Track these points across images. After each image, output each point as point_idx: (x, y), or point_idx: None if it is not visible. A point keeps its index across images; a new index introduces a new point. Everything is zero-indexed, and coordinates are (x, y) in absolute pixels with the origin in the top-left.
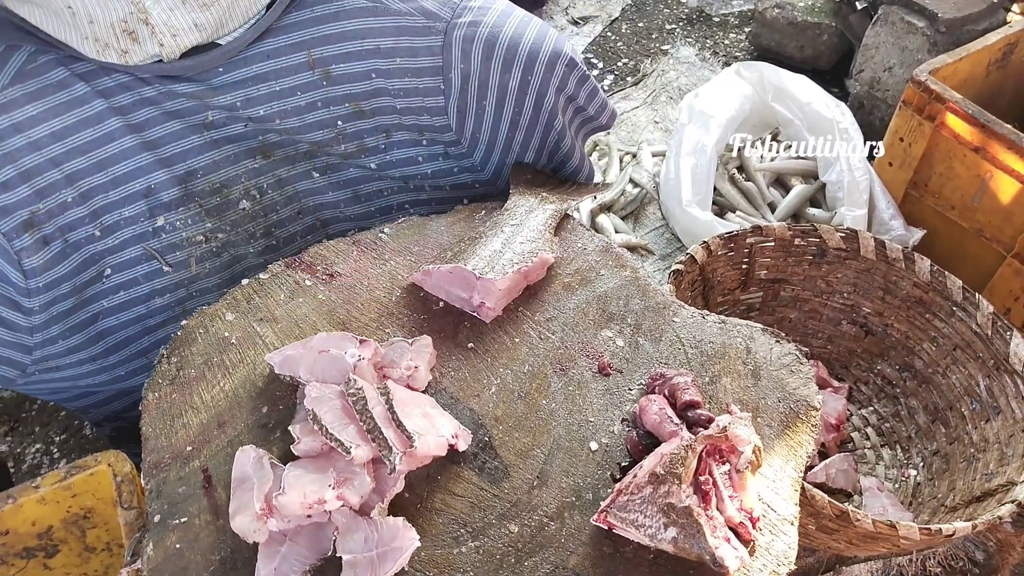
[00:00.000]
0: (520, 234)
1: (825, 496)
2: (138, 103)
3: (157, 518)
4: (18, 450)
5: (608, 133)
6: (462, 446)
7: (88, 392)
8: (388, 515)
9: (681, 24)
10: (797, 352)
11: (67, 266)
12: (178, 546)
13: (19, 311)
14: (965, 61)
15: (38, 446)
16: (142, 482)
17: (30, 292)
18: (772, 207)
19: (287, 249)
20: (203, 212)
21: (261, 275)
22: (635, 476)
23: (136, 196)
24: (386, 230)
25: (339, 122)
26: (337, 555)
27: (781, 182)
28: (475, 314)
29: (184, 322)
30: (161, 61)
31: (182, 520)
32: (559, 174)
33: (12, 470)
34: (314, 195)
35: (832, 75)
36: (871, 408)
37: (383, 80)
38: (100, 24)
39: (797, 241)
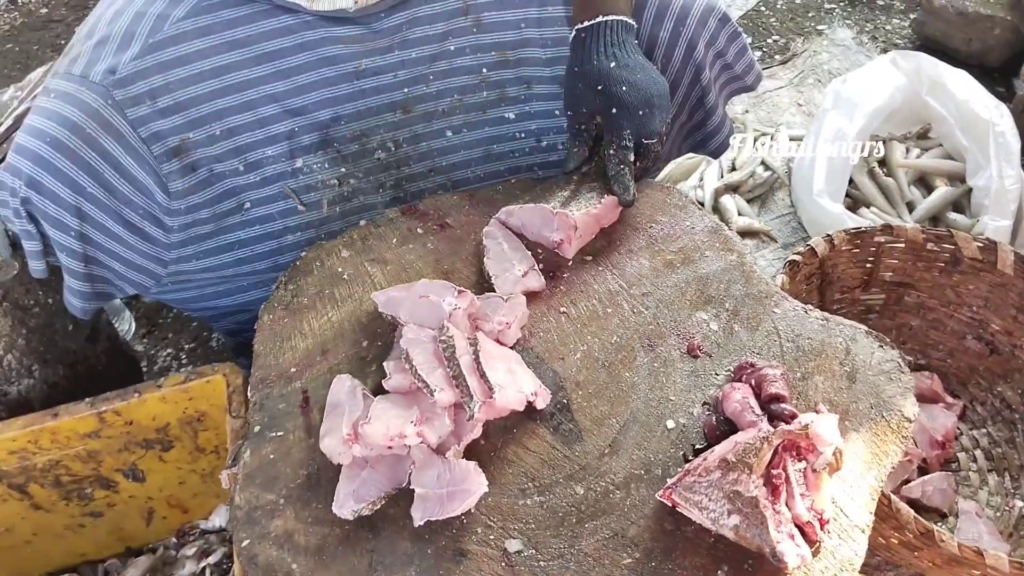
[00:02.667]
0: (586, 182)
1: (911, 511)
2: (297, 47)
3: (257, 428)
4: (152, 352)
5: (747, 111)
6: (540, 404)
7: (214, 306)
8: (462, 458)
9: (841, 4)
10: (900, 359)
11: (210, 194)
12: (272, 456)
13: (160, 227)
14: None
15: (169, 350)
16: (248, 394)
17: (171, 212)
18: (911, 207)
19: (413, 203)
20: (339, 157)
21: (377, 218)
22: (705, 459)
23: (280, 137)
24: (500, 188)
25: (484, 69)
26: (411, 487)
27: (924, 182)
28: (556, 251)
29: (303, 253)
30: (342, 9)
31: (278, 434)
32: (698, 132)
33: (145, 370)
34: (447, 154)
35: (1000, 73)
36: (984, 430)
37: (533, 29)
38: None
39: (929, 246)
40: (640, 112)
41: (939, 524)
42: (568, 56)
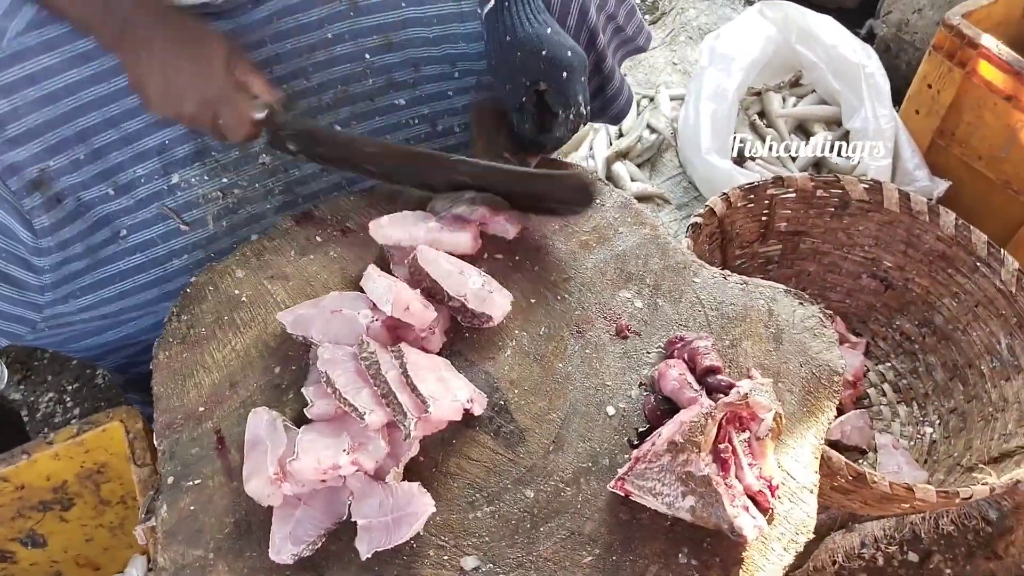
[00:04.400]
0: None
1: (842, 458)
2: None
3: (171, 479)
4: (31, 399)
5: (625, 74)
6: (478, 410)
7: (97, 343)
8: (403, 480)
9: None
10: (821, 315)
11: (80, 226)
12: (192, 508)
13: (29, 270)
14: (1000, 4)
15: (51, 395)
16: (155, 442)
17: (40, 251)
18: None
19: (306, 207)
20: (219, 167)
21: (271, 230)
22: (653, 444)
23: (150, 153)
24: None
25: (367, 55)
26: (352, 519)
27: (803, 129)
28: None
29: (193, 279)
30: (207, 3)
31: (196, 482)
32: (596, 100)
33: (26, 418)
34: None
35: (857, 16)
36: (888, 364)
37: (414, 8)
38: None
39: (819, 192)
40: (582, 77)
41: (860, 460)
42: (486, 29)
